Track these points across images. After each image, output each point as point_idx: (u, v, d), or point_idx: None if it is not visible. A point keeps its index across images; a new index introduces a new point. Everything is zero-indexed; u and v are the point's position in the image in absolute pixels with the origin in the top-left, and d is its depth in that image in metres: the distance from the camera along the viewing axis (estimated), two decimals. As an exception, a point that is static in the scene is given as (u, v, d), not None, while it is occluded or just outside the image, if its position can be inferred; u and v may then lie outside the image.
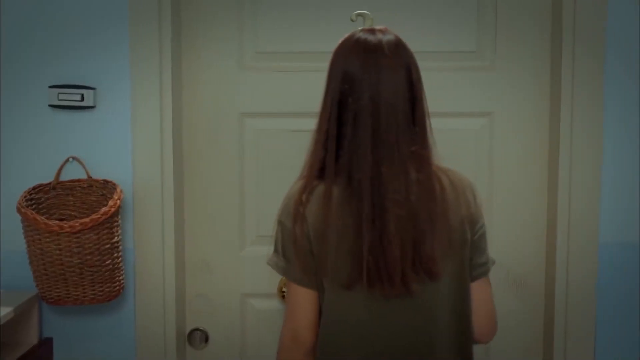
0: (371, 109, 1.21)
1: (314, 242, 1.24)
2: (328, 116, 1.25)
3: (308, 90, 1.64)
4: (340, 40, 1.29)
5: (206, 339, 1.83)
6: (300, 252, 1.25)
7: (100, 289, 1.61)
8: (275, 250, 1.31)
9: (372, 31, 1.27)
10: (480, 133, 1.79)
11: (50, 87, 1.69)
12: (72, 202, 1.70)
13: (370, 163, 1.21)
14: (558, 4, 1.72)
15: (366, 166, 1.21)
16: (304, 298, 1.28)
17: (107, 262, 1.60)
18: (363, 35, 1.26)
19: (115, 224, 1.62)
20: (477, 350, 1.80)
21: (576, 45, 1.68)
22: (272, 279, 1.77)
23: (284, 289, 1.75)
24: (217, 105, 1.79)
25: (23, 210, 1.56)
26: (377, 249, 1.20)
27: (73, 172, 1.71)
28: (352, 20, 1.53)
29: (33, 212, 1.56)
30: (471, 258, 1.30)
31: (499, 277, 1.79)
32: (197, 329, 1.82)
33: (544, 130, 1.78)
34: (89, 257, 1.56)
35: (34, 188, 1.66)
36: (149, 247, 1.73)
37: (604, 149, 1.71)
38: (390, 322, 1.26)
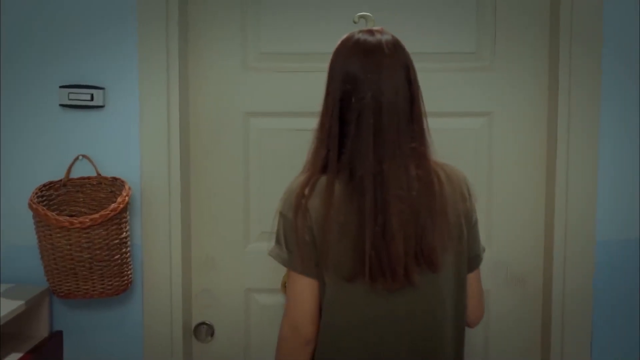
0: (373, 108, 1.24)
1: (316, 235, 1.26)
2: (330, 115, 1.27)
3: (309, 90, 1.66)
4: (339, 41, 1.31)
5: (212, 333, 1.85)
6: (302, 242, 1.27)
7: (109, 283, 1.64)
8: (277, 242, 1.32)
9: (370, 32, 1.29)
10: (480, 132, 1.80)
11: (61, 87, 1.71)
12: (82, 199, 1.72)
13: (372, 160, 1.23)
14: (556, 4, 1.72)
15: (368, 163, 1.23)
16: (306, 288, 1.29)
17: (116, 257, 1.63)
18: (362, 36, 1.28)
19: (124, 220, 1.65)
20: (476, 349, 1.83)
21: (573, 45, 1.69)
22: (275, 275, 1.79)
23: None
24: (222, 104, 1.81)
25: (35, 206, 1.58)
26: (379, 244, 1.22)
27: (83, 170, 1.73)
28: (355, 22, 1.55)
29: (44, 208, 1.59)
30: (468, 251, 1.33)
31: (498, 276, 1.81)
32: (203, 323, 1.85)
33: (543, 129, 1.79)
34: (98, 252, 1.59)
35: (45, 185, 1.68)
36: (156, 243, 1.75)
37: (601, 147, 1.72)
38: (392, 315, 1.27)
